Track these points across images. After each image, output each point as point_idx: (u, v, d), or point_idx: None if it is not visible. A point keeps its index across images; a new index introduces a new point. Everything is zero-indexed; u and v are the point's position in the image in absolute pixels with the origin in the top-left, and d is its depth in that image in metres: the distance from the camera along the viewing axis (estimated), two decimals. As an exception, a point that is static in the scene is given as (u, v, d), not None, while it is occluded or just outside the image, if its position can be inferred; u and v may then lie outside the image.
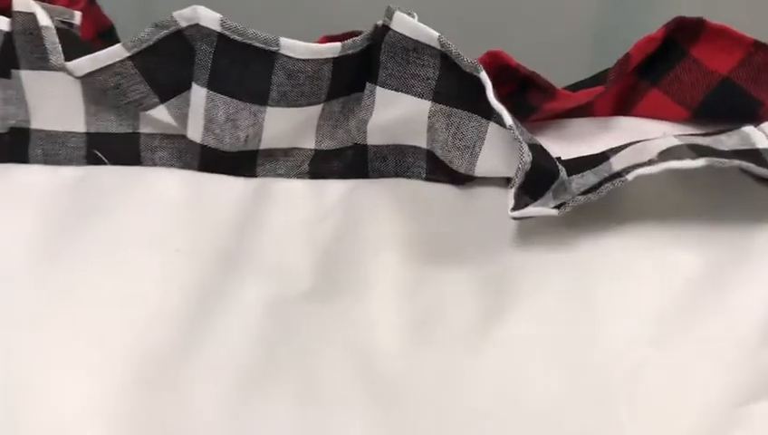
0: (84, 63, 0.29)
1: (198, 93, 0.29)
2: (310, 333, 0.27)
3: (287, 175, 0.31)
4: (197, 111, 0.29)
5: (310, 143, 0.31)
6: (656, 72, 0.32)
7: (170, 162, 0.31)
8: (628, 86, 0.33)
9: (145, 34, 0.28)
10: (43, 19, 0.29)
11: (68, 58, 0.29)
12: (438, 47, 0.27)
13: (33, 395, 0.27)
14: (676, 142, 0.26)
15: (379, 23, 0.28)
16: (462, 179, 0.30)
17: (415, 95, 0.28)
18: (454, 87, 0.28)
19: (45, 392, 0.27)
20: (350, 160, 0.30)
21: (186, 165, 0.31)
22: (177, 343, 0.27)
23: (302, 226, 0.29)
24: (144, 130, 0.31)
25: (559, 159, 0.28)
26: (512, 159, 0.28)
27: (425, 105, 0.28)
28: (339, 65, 0.28)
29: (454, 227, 0.28)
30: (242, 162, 0.31)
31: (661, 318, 0.25)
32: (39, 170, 0.31)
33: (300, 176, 0.31)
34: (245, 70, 0.28)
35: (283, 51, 0.27)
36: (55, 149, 0.31)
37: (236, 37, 0.27)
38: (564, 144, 0.31)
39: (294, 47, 0.27)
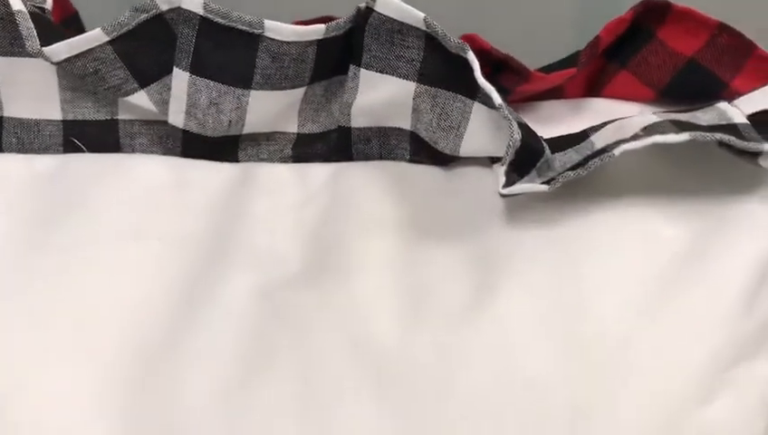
0: (61, 49, 0.28)
1: (180, 78, 0.28)
2: (303, 318, 0.27)
3: (270, 159, 0.31)
4: (179, 96, 0.29)
5: (292, 127, 0.31)
6: (624, 54, 0.33)
7: (151, 149, 0.31)
8: (598, 68, 0.34)
9: (124, 18, 0.28)
10: (16, 3, 0.28)
11: (43, 43, 0.28)
12: (424, 28, 0.27)
13: (19, 392, 0.26)
14: (656, 119, 0.27)
15: (362, 5, 0.28)
16: (446, 160, 0.30)
17: (400, 77, 0.28)
18: (439, 68, 0.28)
19: (31, 389, 0.26)
20: (333, 143, 0.30)
21: (167, 151, 0.30)
22: (167, 335, 0.27)
23: (288, 210, 0.29)
24: (123, 116, 0.30)
25: (541, 138, 0.29)
26: (496, 138, 0.28)
27: (410, 87, 0.29)
28: (323, 47, 0.28)
29: (441, 207, 0.29)
30: (224, 147, 0.30)
31: (648, 289, 0.26)
32: (14, 159, 0.30)
33: (283, 160, 0.31)
34: (229, 53, 0.28)
35: (267, 33, 0.27)
36: (30, 138, 0.31)
37: (220, 20, 0.27)
38: (540, 125, 0.32)
39: (279, 29, 0.27)
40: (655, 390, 0.25)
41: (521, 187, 0.25)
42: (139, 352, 0.26)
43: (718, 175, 0.28)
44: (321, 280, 0.27)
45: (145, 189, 0.29)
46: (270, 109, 0.29)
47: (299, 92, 0.29)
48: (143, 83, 0.29)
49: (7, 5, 0.28)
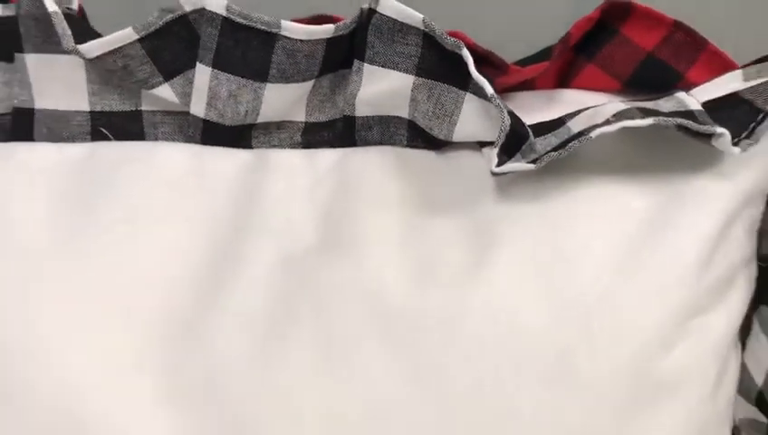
0: (94, 46, 0.31)
1: (203, 72, 0.31)
2: (321, 282, 0.30)
3: (281, 146, 0.34)
4: (201, 89, 0.32)
5: (300, 116, 0.34)
6: (591, 49, 0.37)
7: (172, 137, 0.34)
8: (567, 62, 0.38)
9: (153, 18, 0.31)
10: (51, 5, 0.31)
11: (77, 41, 0.31)
12: (422, 28, 0.31)
13: (70, 351, 0.29)
14: (625, 106, 0.31)
15: (365, 6, 0.32)
16: (439, 145, 0.34)
17: (400, 71, 0.32)
18: (435, 63, 0.31)
19: (81, 349, 0.29)
20: (339, 131, 0.34)
21: (187, 139, 0.33)
22: (200, 301, 0.30)
23: (301, 190, 0.33)
24: (146, 107, 0.33)
25: (525, 124, 0.32)
26: (485, 124, 0.32)
27: (408, 80, 0.32)
28: (331, 45, 0.31)
29: (438, 185, 0.32)
30: (239, 135, 0.33)
31: (620, 252, 0.30)
32: (46, 148, 0.33)
33: (293, 146, 0.34)
34: (248, 50, 0.31)
35: (283, 32, 0.30)
36: (60, 127, 0.33)
37: (241, 20, 0.30)
38: (519, 114, 0.36)
39: (294, 29, 0.30)
40: (626, 337, 0.30)
41: (511, 166, 0.29)
42: (176, 316, 0.30)
43: (677, 155, 0.32)
44: (336, 250, 0.31)
45: (170, 173, 0.32)
46: (282, 100, 0.33)
47: (308, 85, 0.33)
48: (167, 77, 0.32)
49: (42, 7, 0.31)
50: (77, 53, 0.31)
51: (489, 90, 0.29)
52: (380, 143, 0.34)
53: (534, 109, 0.36)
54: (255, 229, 0.31)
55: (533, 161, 0.29)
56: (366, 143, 0.34)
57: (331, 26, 0.31)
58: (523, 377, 0.29)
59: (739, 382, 0.35)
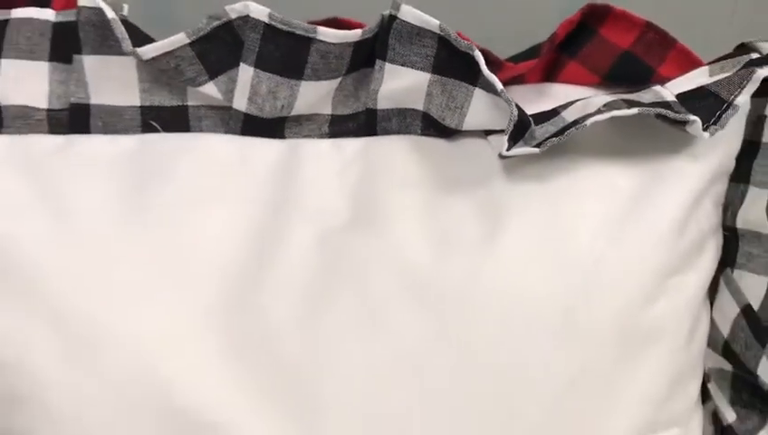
0: (151, 49, 0.35)
1: (246, 71, 0.36)
2: (355, 254, 0.35)
3: (310, 136, 0.38)
4: (244, 86, 0.36)
5: (327, 109, 0.38)
6: (573, 48, 0.41)
7: (215, 129, 0.38)
8: (552, 59, 0.42)
9: (202, 25, 0.35)
10: (109, 12, 0.35)
11: (134, 44, 0.35)
12: (439, 32, 0.35)
13: (145, 315, 0.33)
14: (611, 98, 0.36)
15: (386, 13, 0.36)
16: (449, 133, 0.38)
17: (417, 69, 0.36)
18: (448, 62, 0.36)
19: (152, 314, 0.33)
20: (362, 122, 0.38)
21: (228, 130, 0.38)
22: (250, 273, 0.34)
23: (331, 174, 0.37)
24: (192, 102, 0.37)
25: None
26: (492, 115, 0.36)
27: (425, 77, 0.37)
28: (357, 47, 0.36)
29: (452, 168, 0.37)
30: (275, 127, 0.38)
31: (610, 223, 0.35)
32: (102, 139, 0.37)
33: (321, 136, 0.38)
34: (287, 52, 0.35)
35: (319, 37, 0.35)
36: (114, 121, 0.37)
37: (282, 26, 0.34)
38: None
39: (327, 34, 0.35)
40: (617, 295, 0.35)
41: (519, 150, 0.34)
42: (231, 283, 0.34)
43: (656, 140, 0.36)
44: (366, 225, 0.35)
45: (214, 161, 0.37)
46: (314, 95, 0.37)
47: (336, 82, 0.37)
48: (212, 76, 0.36)
49: (102, 14, 0.35)
50: (135, 54, 0.35)
51: (499, 86, 0.34)
52: (398, 132, 0.38)
53: (527, 101, 0.40)
54: (294, 208, 0.35)
55: (537, 145, 0.34)
56: (385, 132, 0.38)
57: (358, 31, 0.36)
58: (531, 329, 0.34)
59: (708, 336, 0.40)
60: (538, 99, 0.41)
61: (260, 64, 0.35)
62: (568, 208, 0.35)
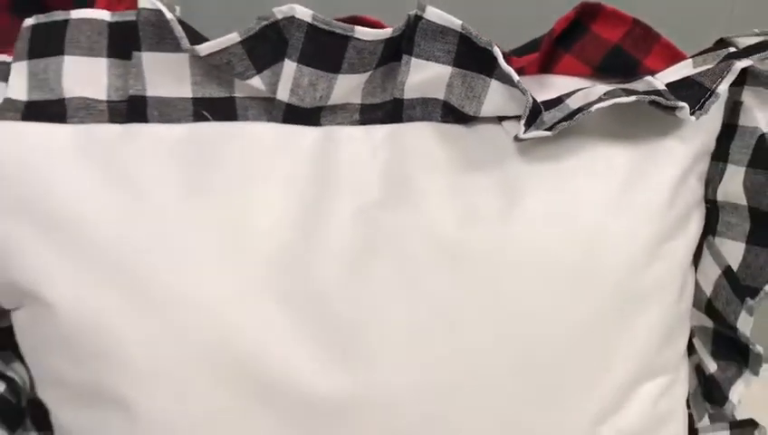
0: (206, 47, 0.39)
1: (290, 66, 0.40)
2: (390, 226, 0.40)
3: (342, 123, 0.43)
4: (288, 79, 0.40)
5: (357, 99, 0.43)
6: (567, 42, 0.46)
7: (259, 117, 0.42)
8: (548, 53, 0.47)
9: (253, 25, 0.39)
10: (168, 13, 0.39)
11: (191, 42, 0.39)
12: (461, 30, 0.40)
13: (208, 277, 0.37)
14: (611, 87, 0.41)
15: (412, 13, 0.41)
16: (467, 120, 0.43)
17: (440, 63, 0.41)
18: (468, 56, 0.40)
19: (215, 277, 0.38)
20: (389, 110, 0.43)
21: (271, 119, 0.42)
22: (299, 241, 0.39)
23: (364, 156, 0.41)
24: (238, 94, 0.42)
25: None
26: (506, 103, 0.41)
27: (447, 70, 0.41)
28: (387, 43, 0.41)
29: (472, 150, 0.41)
30: (311, 115, 0.42)
31: (611, 197, 0.40)
32: (159, 127, 0.41)
33: (352, 123, 0.43)
34: (327, 48, 0.39)
35: (356, 35, 0.39)
36: (168, 111, 0.41)
37: (324, 26, 0.39)
38: None
39: (363, 32, 0.39)
40: (618, 259, 0.40)
41: (534, 133, 0.39)
42: (282, 252, 0.38)
43: (649, 124, 0.41)
44: (398, 201, 0.40)
45: (261, 145, 0.41)
46: (347, 87, 0.41)
47: (367, 75, 0.42)
48: (259, 70, 0.40)
49: (161, 15, 0.39)
50: (193, 51, 0.39)
51: (515, 77, 0.39)
52: (421, 120, 0.43)
53: (530, 90, 0.45)
54: (333, 186, 0.40)
55: (549, 129, 0.39)
56: (410, 119, 0.43)
57: (389, 29, 0.40)
58: (546, 286, 0.39)
59: (693, 297, 0.46)
60: (539, 89, 0.46)
61: (303, 60, 0.39)
62: (575, 185, 0.40)
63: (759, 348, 0.43)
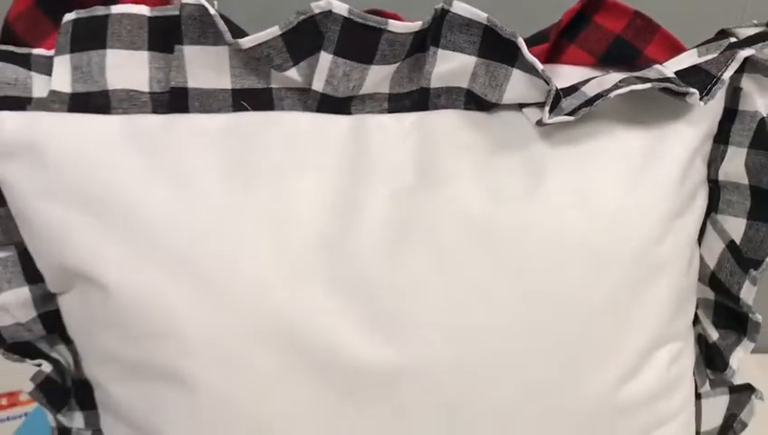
0: (248, 40, 0.41)
1: (326, 58, 0.42)
2: (423, 208, 0.42)
3: (372, 112, 0.45)
4: (323, 70, 0.43)
5: (386, 89, 0.45)
6: (572, 33, 0.48)
7: (294, 107, 0.44)
8: (554, 43, 0.50)
9: (292, 18, 0.41)
10: (211, 9, 0.41)
11: (233, 36, 0.41)
12: (486, 23, 0.43)
13: (256, 258, 0.40)
14: (625, 75, 0.44)
15: (439, 7, 0.43)
16: (488, 107, 0.46)
17: (465, 53, 0.43)
18: (492, 47, 0.43)
19: (262, 259, 0.40)
20: (416, 99, 0.45)
21: (306, 108, 0.44)
22: (336, 225, 0.41)
23: (395, 142, 0.44)
24: (275, 85, 0.44)
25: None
26: (527, 90, 0.44)
27: (471, 60, 0.44)
28: (416, 36, 0.43)
29: (495, 135, 0.44)
30: (343, 105, 0.44)
31: (627, 177, 0.43)
32: (200, 117, 0.43)
33: (381, 112, 0.45)
34: (361, 41, 0.42)
35: (389, 28, 0.42)
36: (209, 102, 0.43)
37: (359, 20, 0.41)
38: None
39: (396, 25, 0.42)
40: (635, 234, 0.43)
41: (557, 118, 0.42)
42: (323, 234, 0.41)
43: (660, 108, 0.45)
44: (429, 184, 0.42)
45: (297, 133, 0.43)
46: (378, 77, 0.44)
47: (395, 66, 0.44)
48: (296, 62, 0.43)
49: (204, 10, 0.41)
50: (235, 45, 0.41)
51: (539, 66, 0.42)
52: (446, 107, 0.46)
53: None
54: (367, 170, 0.42)
55: (571, 114, 0.42)
56: (435, 108, 0.45)
57: (419, 22, 0.43)
58: (573, 262, 0.42)
59: (698, 270, 0.49)
60: (552, 77, 0.49)
61: (338, 52, 0.41)
62: (594, 166, 0.43)
63: (758, 316, 0.46)
